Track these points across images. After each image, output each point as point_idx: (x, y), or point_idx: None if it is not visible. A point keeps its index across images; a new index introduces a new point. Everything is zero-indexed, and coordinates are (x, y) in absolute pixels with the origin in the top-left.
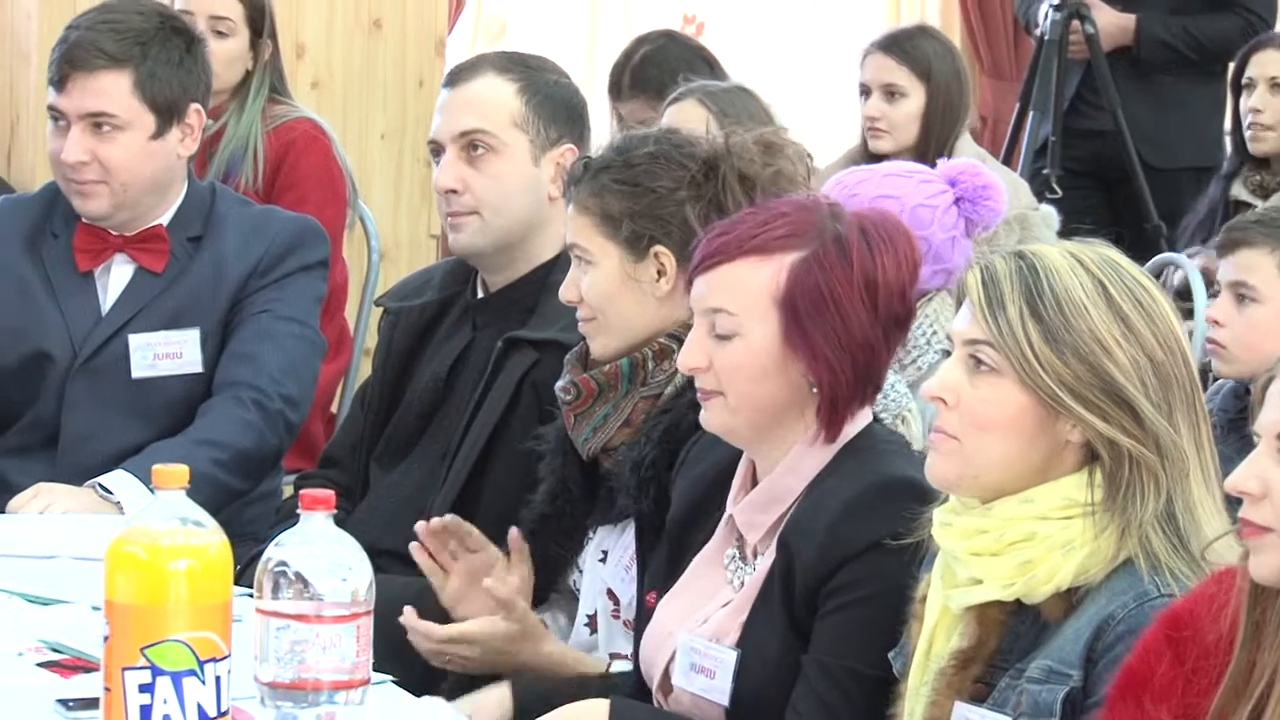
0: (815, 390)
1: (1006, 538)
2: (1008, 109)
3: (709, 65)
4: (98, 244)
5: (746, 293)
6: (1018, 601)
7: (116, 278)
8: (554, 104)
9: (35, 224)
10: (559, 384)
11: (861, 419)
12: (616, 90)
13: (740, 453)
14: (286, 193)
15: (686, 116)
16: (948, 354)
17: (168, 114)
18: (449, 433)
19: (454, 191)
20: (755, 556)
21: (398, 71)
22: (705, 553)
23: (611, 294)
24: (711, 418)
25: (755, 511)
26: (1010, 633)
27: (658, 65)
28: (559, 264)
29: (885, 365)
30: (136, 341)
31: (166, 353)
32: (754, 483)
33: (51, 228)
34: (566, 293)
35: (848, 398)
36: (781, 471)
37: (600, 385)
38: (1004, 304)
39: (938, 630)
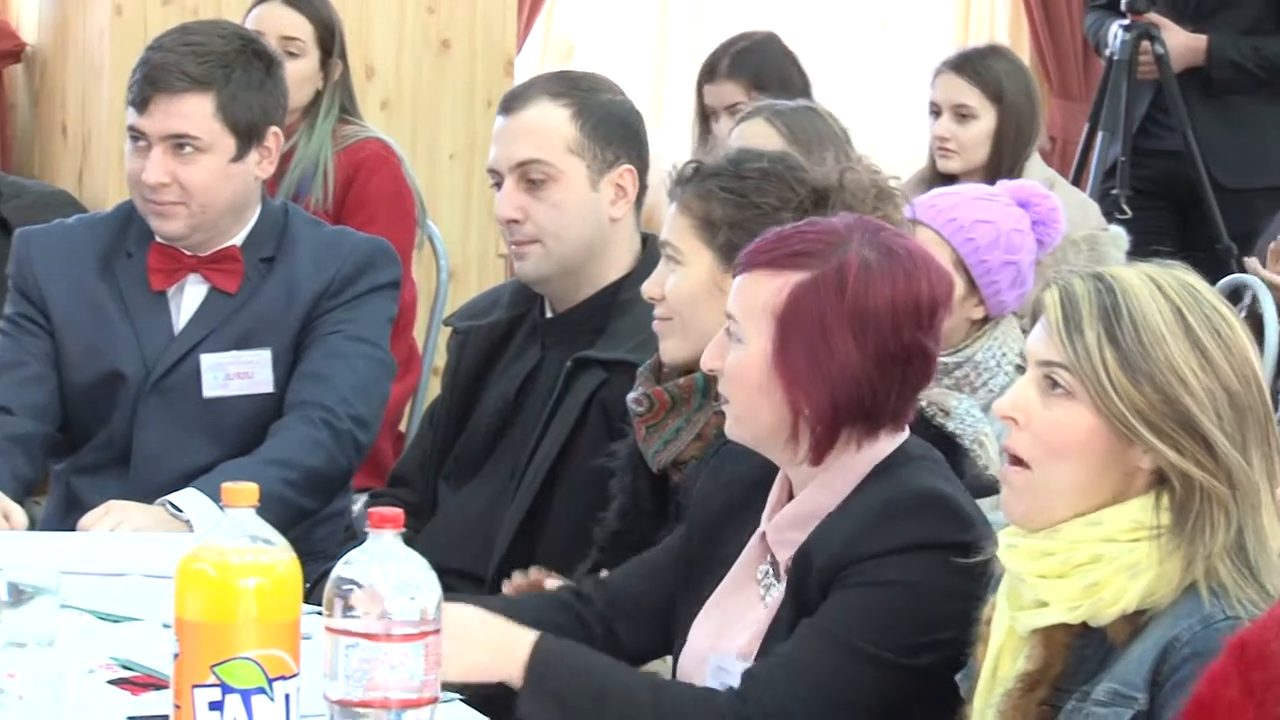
0: (807, 413)
1: (1073, 560)
2: (1077, 129)
3: (801, 77)
4: (172, 264)
5: (752, 304)
6: (1084, 624)
7: (190, 297)
8: (609, 125)
9: (109, 243)
10: (631, 396)
11: (891, 439)
12: (711, 72)
13: (768, 466)
14: (356, 212)
15: (755, 135)
16: (1021, 369)
17: (248, 137)
18: (518, 452)
19: (515, 221)
20: (786, 574)
21: (466, 92)
22: (737, 569)
23: (695, 297)
24: (726, 424)
25: (788, 528)
26: (1076, 655)
27: (759, 55)
28: (627, 283)
29: (885, 400)
30: (208, 361)
31: (238, 372)
32: (789, 497)
33: (126, 247)
34: (649, 289)
35: (830, 426)
36: (815, 489)
37: (674, 398)
38: (1081, 327)
39: (1003, 652)
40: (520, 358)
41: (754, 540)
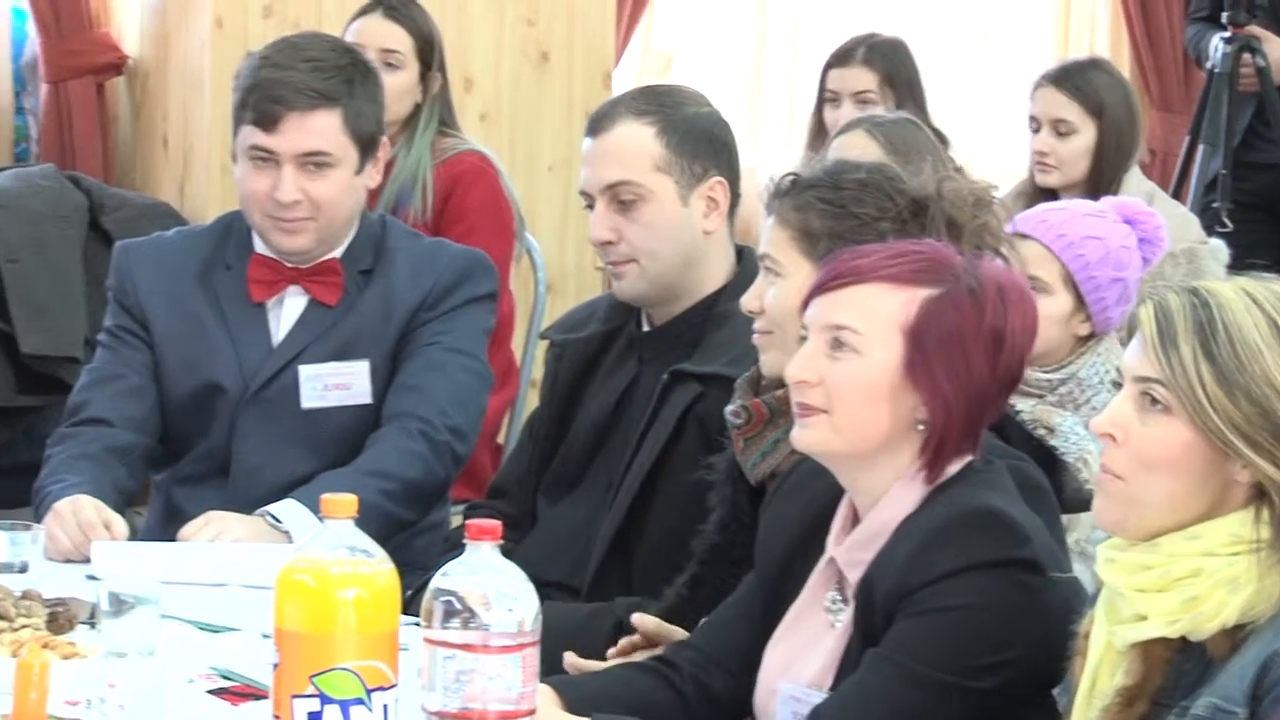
0: (921, 428)
1: (1172, 574)
2: (1177, 142)
3: (920, 88)
4: (272, 275)
5: (875, 315)
6: (1183, 638)
7: (289, 309)
8: (695, 138)
9: (208, 256)
10: (729, 408)
11: (959, 460)
12: (844, 57)
13: (836, 493)
14: (455, 225)
15: (854, 146)
16: (1118, 385)
17: (367, 148)
18: (614, 466)
19: (610, 242)
20: (854, 599)
21: (565, 104)
22: (805, 597)
23: (794, 310)
24: (809, 435)
25: (857, 550)
26: (1175, 670)
27: (895, 52)
28: (723, 296)
29: (989, 421)
30: (307, 373)
31: (336, 384)
32: (854, 523)
33: (225, 259)
34: (749, 302)
35: (955, 440)
36: (881, 508)
37: (772, 410)
38: (1177, 342)
39: (1101, 667)
40: (617, 371)
41: (820, 567)
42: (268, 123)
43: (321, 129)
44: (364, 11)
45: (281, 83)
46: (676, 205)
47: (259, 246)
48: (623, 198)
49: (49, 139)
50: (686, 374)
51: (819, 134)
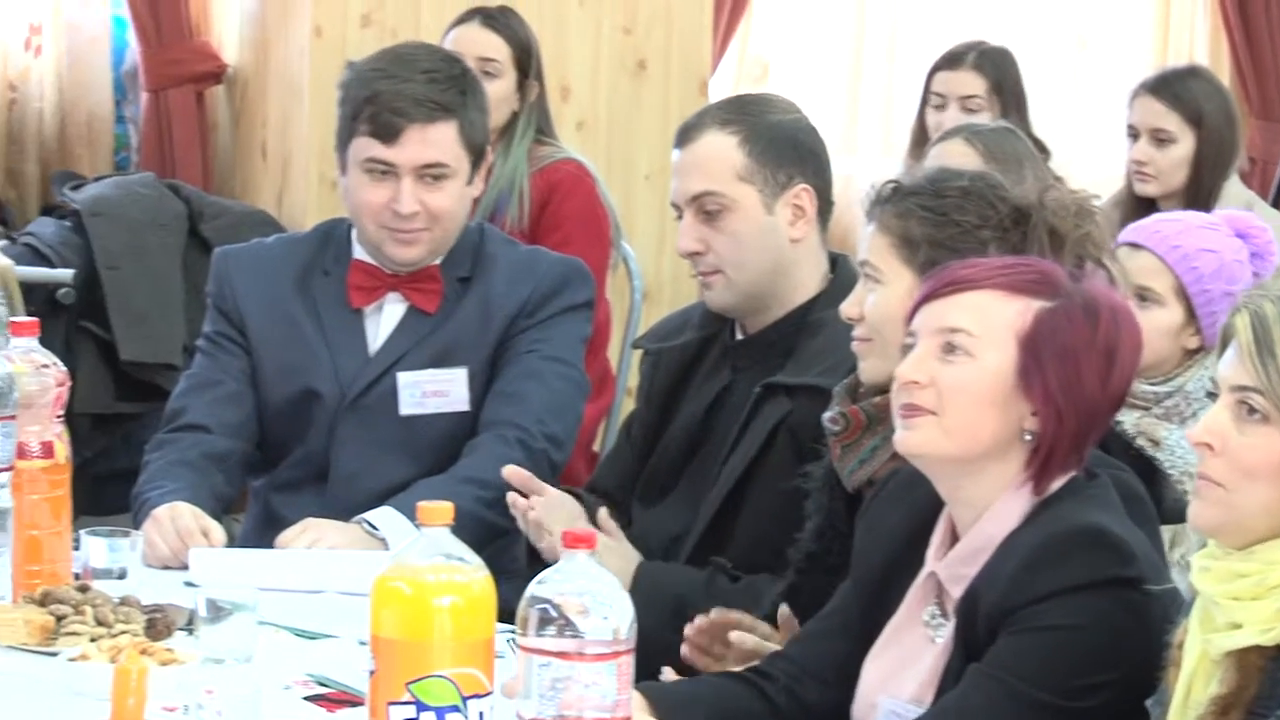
0: (1029, 438)
1: (1268, 581)
2: (1277, 150)
3: (1024, 98)
4: (372, 281)
5: (990, 319)
6: (1278, 646)
7: (388, 316)
8: (779, 146)
9: (307, 262)
10: (827, 415)
11: (1062, 476)
12: (954, 60)
13: (935, 502)
14: (551, 233)
15: (952, 155)
16: (1213, 396)
17: (478, 158)
18: (707, 473)
19: (697, 253)
20: (955, 614)
21: (662, 112)
22: (904, 611)
23: (895, 317)
24: (915, 436)
25: (959, 565)
26: (1270, 678)
27: (1005, 61)
28: (816, 304)
29: (1097, 438)
30: (405, 380)
31: (434, 391)
32: (954, 538)
33: (323, 266)
34: (848, 309)
35: (1063, 453)
36: (985, 522)
37: (870, 417)
38: (1274, 350)
39: (1196, 676)
40: (711, 379)
41: (919, 581)
42: (387, 135)
43: (440, 140)
44: (462, 20)
45: (401, 94)
46: (760, 214)
47: (358, 253)
48: (708, 208)
49: (149, 147)
50: (779, 387)
51: (921, 138)
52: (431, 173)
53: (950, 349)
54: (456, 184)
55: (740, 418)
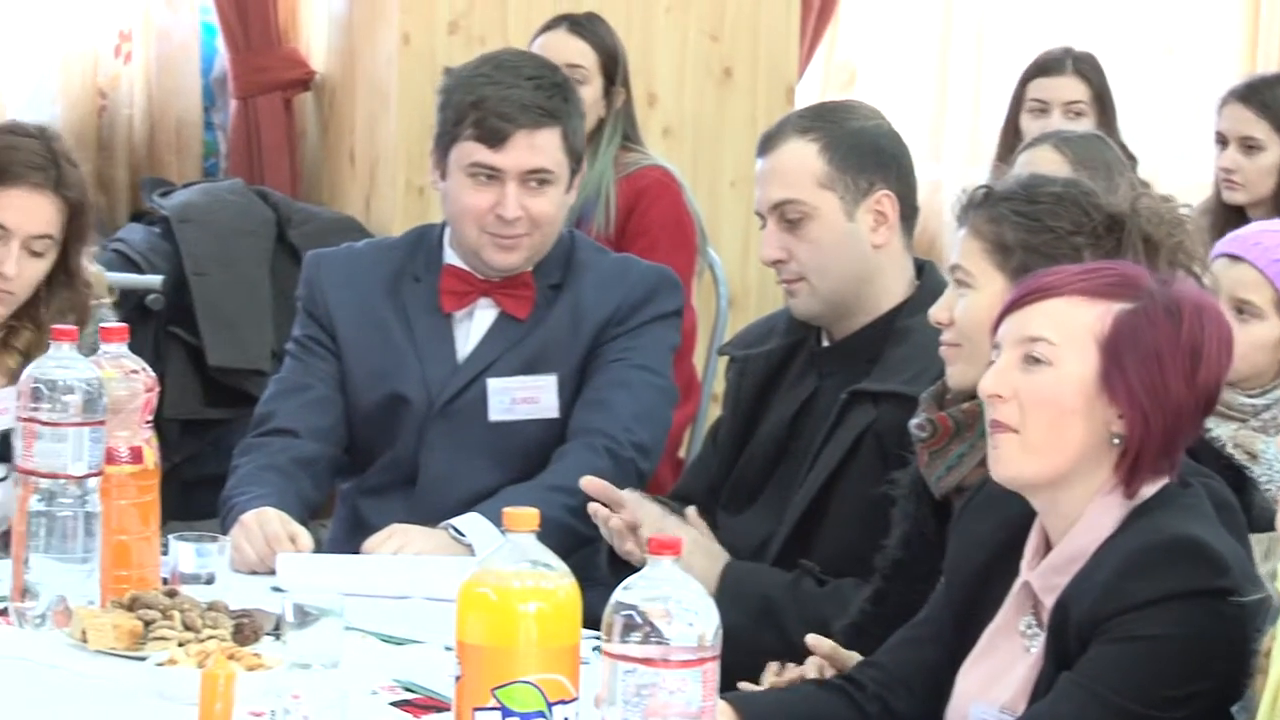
0: (1116, 442)
1: None
2: None
3: (1114, 105)
4: (464, 286)
5: (1070, 326)
6: None
7: (479, 321)
8: (859, 153)
9: (397, 267)
10: (914, 421)
11: (1154, 483)
12: (1054, 67)
13: (1028, 512)
14: (638, 239)
15: (1041, 162)
16: None
17: (577, 164)
18: (793, 480)
19: (781, 261)
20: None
21: (748, 119)
22: (999, 620)
23: (985, 322)
24: (1000, 463)
25: (1052, 575)
26: None
27: (1097, 64)
28: (903, 311)
29: (1187, 441)
30: (495, 386)
31: (524, 397)
32: (1047, 547)
33: (413, 271)
34: (938, 314)
35: (1152, 456)
36: (1078, 531)
37: (957, 423)
38: None
39: None
40: (797, 385)
41: (1015, 591)
42: (494, 140)
43: (545, 146)
44: (549, 27)
45: (508, 100)
46: (841, 221)
47: (449, 258)
48: (789, 216)
49: (237, 154)
50: (864, 394)
51: (1012, 144)
52: (536, 178)
53: (1031, 359)
54: (558, 190)
55: (826, 424)
